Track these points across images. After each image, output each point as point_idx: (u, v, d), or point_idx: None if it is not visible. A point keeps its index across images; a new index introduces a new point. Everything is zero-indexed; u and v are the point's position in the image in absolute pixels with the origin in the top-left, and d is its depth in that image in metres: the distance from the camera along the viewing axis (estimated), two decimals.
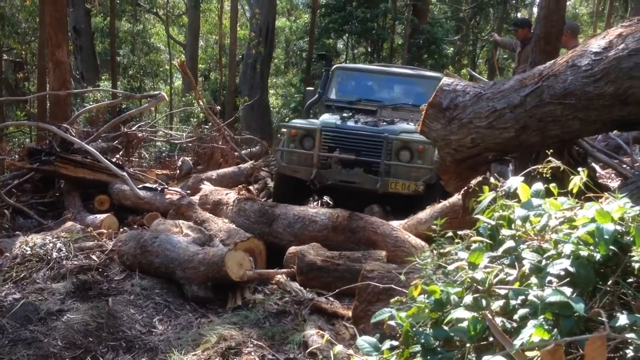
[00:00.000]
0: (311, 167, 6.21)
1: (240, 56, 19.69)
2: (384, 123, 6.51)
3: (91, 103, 12.42)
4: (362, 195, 6.21)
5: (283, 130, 6.81)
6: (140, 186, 6.48)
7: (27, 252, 4.35)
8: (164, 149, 12.37)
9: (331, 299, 3.56)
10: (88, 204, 6.63)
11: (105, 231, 5.19)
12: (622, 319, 1.38)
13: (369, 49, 20.04)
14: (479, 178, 3.64)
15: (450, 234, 2.31)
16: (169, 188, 6.67)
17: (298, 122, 6.84)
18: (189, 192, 6.76)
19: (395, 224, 4.74)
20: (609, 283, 1.52)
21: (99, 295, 3.81)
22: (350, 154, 6.18)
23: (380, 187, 5.99)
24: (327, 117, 6.72)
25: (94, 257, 4.42)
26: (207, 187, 6.41)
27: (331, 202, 7.66)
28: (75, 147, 6.81)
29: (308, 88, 8.65)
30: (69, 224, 5.28)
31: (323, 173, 6.19)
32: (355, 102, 7.34)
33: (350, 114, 6.69)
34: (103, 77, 17.99)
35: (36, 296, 3.67)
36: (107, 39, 18.34)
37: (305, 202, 7.06)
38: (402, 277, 2.54)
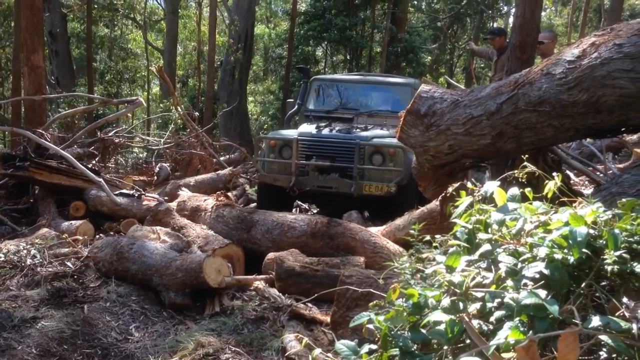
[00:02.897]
0: (290, 175, 6.47)
1: (219, 63, 19.65)
2: (357, 130, 6.80)
3: (66, 108, 12.25)
4: (339, 199, 6.49)
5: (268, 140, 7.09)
6: (117, 192, 6.42)
7: (1, 259, 4.28)
8: (142, 155, 12.27)
9: (310, 304, 3.55)
10: (63, 210, 6.53)
11: (80, 238, 5.13)
12: (596, 321, 1.40)
13: (348, 57, 20.15)
14: (457, 184, 3.68)
15: (427, 238, 2.33)
16: (146, 194, 6.61)
17: (277, 133, 7.22)
18: (166, 198, 6.71)
19: (373, 230, 4.76)
20: (583, 285, 1.55)
21: (74, 302, 3.75)
22: (326, 161, 6.45)
23: (355, 190, 6.25)
24: (305, 127, 7.05)
25: (69, 263, 4.36)
26: (185, 194, 6.37)
27: (311, 209, 7.79)
28: (51, 152, 6.73)
29: (288, 100, 9.14)
30: (43, 230, 5.20)
31: (301, 180, 6.44)
32: (333, 111, 7.68)
33: (327, 123, 7.03)
34: (79, 83, 17.80)
35: (10, 303, 3.61)
36: (84, 44, 18.20)
37: (288, 209, 7.17)
38: (381, 282, 2.55)
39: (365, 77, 8.87)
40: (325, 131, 6.77)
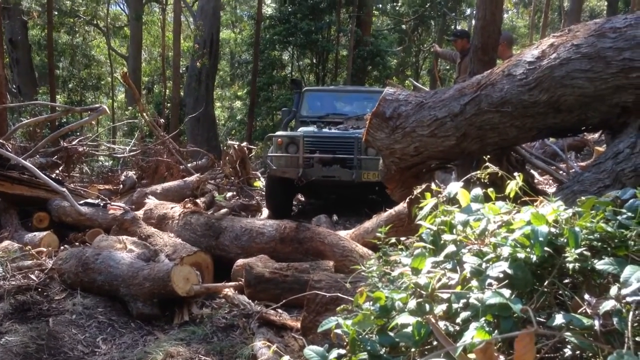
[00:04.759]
0: (297, 167, 7.47)
1: (185, 68, 19.49)
2: (352, 129, 7.95)
3: (28, 117, 11.99)
4: (341, 186, 7.70)
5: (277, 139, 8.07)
6: (81, 202, 6.29)
7: None
8: (107, 163, 12.08)
9: (280, 310, 3.53)
10: (26, 221, 6.39)
11: (44, 249, 5.01)
12: (559, 318, 1.41)
13: (314, 61, 20.20)
14: (423, 186, 3.69)
15: (394, 241, 2.34)
16: (112, 203, 6.50)
17: (282, 133, 8.19)
18: (133, 207, 6.61)
19: (342, 233, 4.77)
20: (546, 284, 1.56)
21: (39, 316, 3.66)
22: (328, 155, 7.52)
23: (356, 178, 7.32)
24: (305, 128, 8.18)
25: (32, 276, 4.26)
26: (151, 202, 6.28)
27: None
28: (12, 163, 6.56)
29: (284, 109, 10.45)
30: (5, 242, 5.07)
31: (307, 171, 7.46)
32: (324, 117, 8.87)
33: (322, 125, 8.18)
34: (41, 91, 17.45)
35: None
36: (45, 51, 17.84)
37: (293, 198, 8.88)
38: (349, 286, 2.55)
39: (351, 87, 10.24)
40: (325, 130, 7.98)
